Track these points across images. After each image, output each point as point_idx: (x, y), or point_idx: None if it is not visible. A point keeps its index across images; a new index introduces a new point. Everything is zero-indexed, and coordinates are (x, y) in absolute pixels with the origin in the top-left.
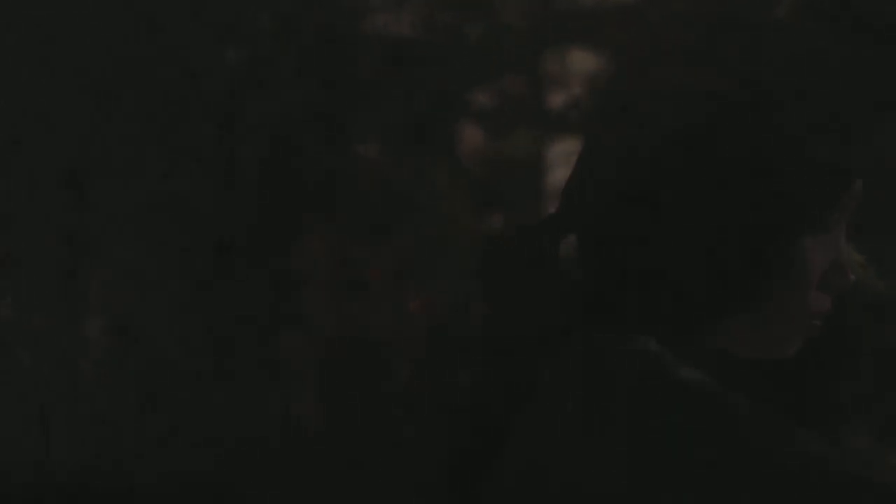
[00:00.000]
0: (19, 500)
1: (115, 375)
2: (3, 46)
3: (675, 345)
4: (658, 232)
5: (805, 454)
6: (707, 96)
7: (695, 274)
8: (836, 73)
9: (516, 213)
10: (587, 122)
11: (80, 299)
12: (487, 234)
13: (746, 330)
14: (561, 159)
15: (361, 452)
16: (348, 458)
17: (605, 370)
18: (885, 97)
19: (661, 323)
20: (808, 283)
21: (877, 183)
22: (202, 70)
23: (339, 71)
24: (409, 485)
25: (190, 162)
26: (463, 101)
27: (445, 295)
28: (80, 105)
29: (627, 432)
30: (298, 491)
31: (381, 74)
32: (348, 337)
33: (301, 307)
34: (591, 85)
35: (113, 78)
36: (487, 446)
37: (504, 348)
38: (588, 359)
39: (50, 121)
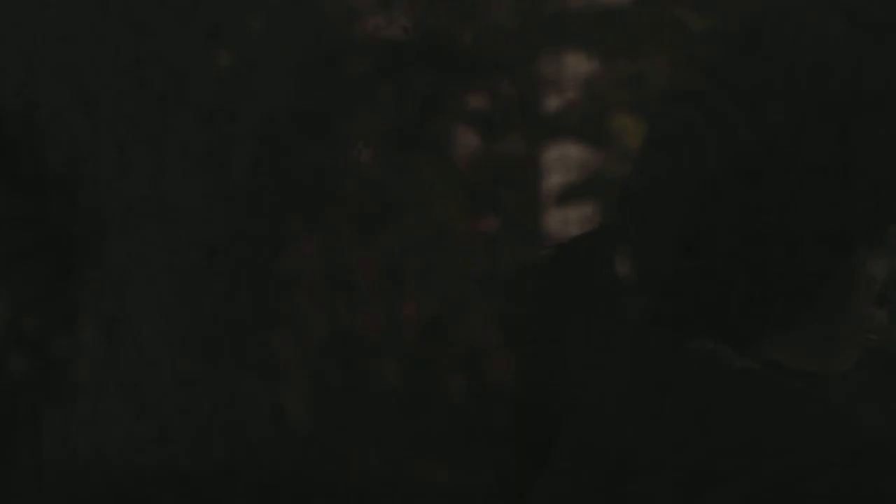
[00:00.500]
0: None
1: (106, 378)
2: None
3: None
4: (715, 240)
5: (876, 427)
6: (770, 104)
7: (751, 283)
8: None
9: (511, 217)
10: (645, 138)
11: (71, 302)
12: (485, 234)
13: (804, 343)
14: (555, 163)
15: (353, 454)
16: (340, 460)
17: (662, 363)
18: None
19: (718, 331)
20: (868, 296)
21: None
22: (192, 72)
23: (331, 73)
24: (401, 486)
25: (180, 164)
26: (456, 104)
27: (439, 297)
28: (69, 107)
29: (692, 418)
30: (290, 493)
31: (373, 77)
32: (340, 339)
33: (293, 309)
34: (586, 87)
35: (102, 80)
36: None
37: (553, 351)
38: (645, 356)
39: (38, 123)
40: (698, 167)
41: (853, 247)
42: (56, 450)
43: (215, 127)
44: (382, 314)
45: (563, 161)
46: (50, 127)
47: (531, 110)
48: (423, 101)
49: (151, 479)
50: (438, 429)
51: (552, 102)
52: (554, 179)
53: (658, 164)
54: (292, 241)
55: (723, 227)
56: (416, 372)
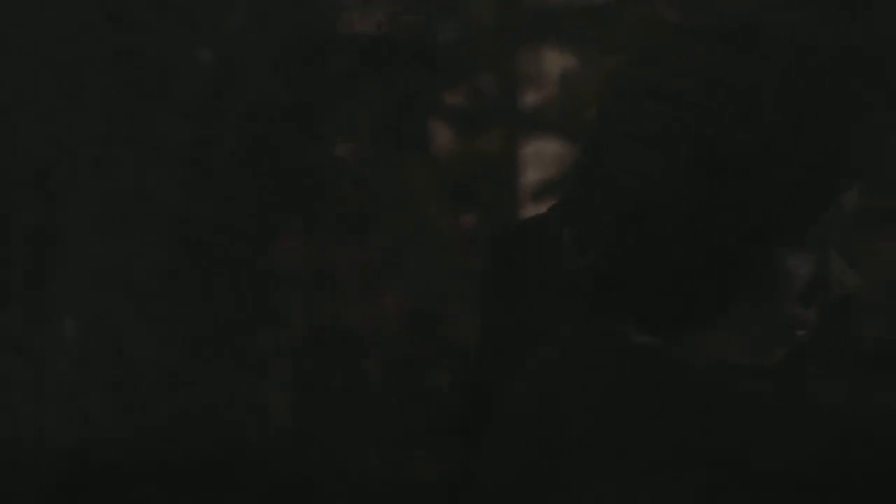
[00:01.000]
0: None
1: (89, 374)
2: None
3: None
4: (644, 229)
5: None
6: (692, 98)
7: (673, 273)
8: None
9: (490, 212)
10: (591, 121)
11: (52, 298)
12: (465, 229)
13: (732, 334)
14: (534, 158)
15: (338, 449)
16: (325, 454)
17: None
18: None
19: (649, 318)
20: (785, 294)
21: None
22: (175, 67)
23: (313, 69)
24: (387, 482)
25: (162, 159)
26: (436, 101)
27: (421, 292)
28: (51, 102)
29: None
30: (275, 486)
31: (355, 73)
32: (325, 334)
33: (277, 304)
34: (564, 84)
35: (84, 74)
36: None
37: (502, 336)
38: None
39: (20, 118)
40: (630, 161)
41: (770, 246)
42: (37, 446)
43: (198, 122)
44: (365, 308)
45: (539, 156)
46: (31, 122)
47: (510, 106)
48: (403, 98)
49: (134, 476)
50: (422, 422)
51: (530, 98)
52: (533, 174)
53: (601, 155)
54: (275, 236)
55: (659, 217)
56: (397, 365)
